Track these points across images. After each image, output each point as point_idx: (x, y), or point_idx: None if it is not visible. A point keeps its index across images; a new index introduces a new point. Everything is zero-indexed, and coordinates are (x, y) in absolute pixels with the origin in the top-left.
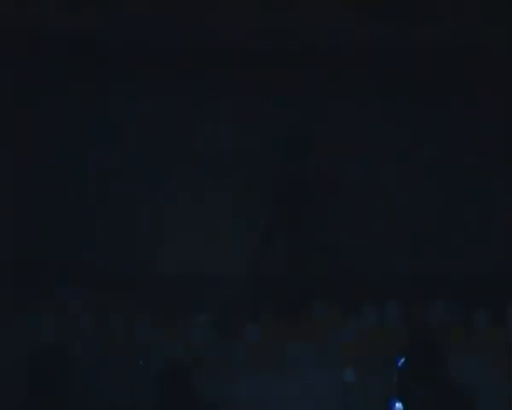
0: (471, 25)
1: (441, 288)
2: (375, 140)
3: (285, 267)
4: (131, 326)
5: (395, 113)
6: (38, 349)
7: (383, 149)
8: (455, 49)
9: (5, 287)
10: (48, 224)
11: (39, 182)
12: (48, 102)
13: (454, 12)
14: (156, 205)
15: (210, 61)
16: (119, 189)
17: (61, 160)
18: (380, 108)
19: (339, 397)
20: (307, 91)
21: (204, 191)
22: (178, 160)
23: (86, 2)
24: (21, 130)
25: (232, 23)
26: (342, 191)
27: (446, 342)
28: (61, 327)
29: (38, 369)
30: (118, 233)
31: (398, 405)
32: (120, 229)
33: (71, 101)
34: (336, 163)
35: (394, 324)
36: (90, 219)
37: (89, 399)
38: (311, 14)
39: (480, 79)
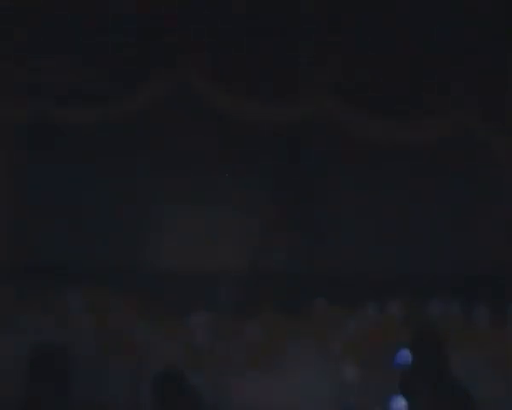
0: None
1: (441, 288)
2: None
3: (285, 265)
4: (131, 326)
5: None
6: (38, 349)
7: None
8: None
9: (5, 287)
10: (48, 224)
11: (36, 182)
12: None
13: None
14: (156, 204)
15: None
16: (118, 188)
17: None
18: None
19: (339, 396)
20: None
21: (204, 189)
22: (178, 158)
23: None
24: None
25: None
26: (339, 191)
27: (446, 341)
28: (61, 327)
29: (38, 369)
30: (117, 233)
31: (399, 398)
32: (120, 228)
33: None
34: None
35: (395, 322)
36: (89, 219)
37: (88, 399)
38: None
39: None
